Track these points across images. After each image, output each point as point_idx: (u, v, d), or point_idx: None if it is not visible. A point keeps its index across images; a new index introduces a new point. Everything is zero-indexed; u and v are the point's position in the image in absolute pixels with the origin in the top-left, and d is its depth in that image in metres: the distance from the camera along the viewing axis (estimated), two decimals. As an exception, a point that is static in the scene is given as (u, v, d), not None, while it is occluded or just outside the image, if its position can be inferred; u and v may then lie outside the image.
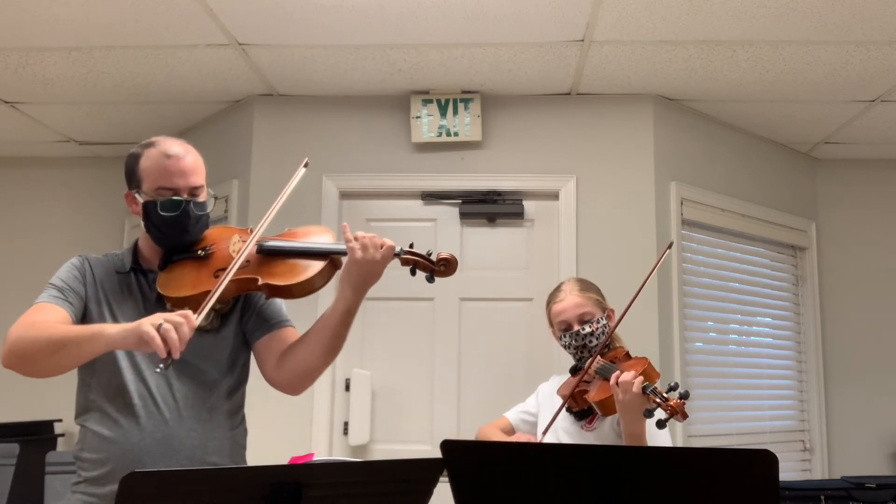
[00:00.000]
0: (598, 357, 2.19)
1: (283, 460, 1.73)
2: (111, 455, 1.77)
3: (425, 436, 3.50)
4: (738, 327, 4.08)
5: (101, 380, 1.82)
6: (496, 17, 2.96)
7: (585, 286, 2.32)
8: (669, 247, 2.44)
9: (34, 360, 1.68)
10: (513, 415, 2.44)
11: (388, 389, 3.55)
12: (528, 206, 3.63)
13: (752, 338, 4.16)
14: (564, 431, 2.25)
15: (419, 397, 3.54)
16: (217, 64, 3.36)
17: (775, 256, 4.25)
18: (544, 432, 2.20)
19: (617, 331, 2.28)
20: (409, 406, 3.54)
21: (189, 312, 1.61)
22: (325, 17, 2.97)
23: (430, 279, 1.89)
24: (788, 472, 4.06)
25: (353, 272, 1.83)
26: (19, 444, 2.98)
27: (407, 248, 1.87)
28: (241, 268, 1.79)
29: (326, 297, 1.91)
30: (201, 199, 1.89)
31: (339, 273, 1.89)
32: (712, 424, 3.78)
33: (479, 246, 3.64)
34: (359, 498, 1.43)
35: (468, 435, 2.98)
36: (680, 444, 3.39)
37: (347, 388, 3.51)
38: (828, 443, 4.23)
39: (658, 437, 2.06)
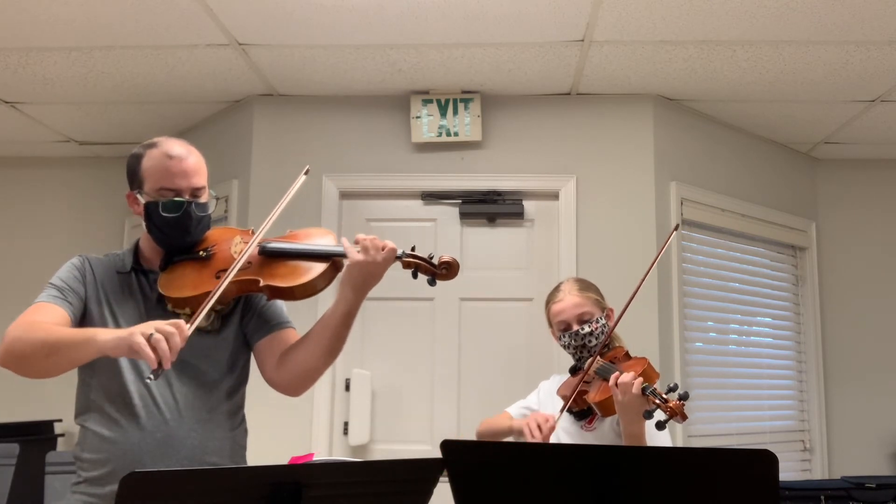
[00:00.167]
0: (598, 357, 2.19)
1: (283, 460, 1.73)
2: (111, 455, 1.77)
3: (425, 436, 3.50)
4: (738, 327, 4.08)
5: (101, 380, 1.82)
6: (496, 17, 2.96)
7: (584, 286, 2.32)
8: (676, 229, 2.44)
9: (29, 361, 1.68)
10: (514, 410, 2.44)
11: (388, 389, 3.55)
12: (528, 206, 3.63)
13: (752, 338, 4.16)
14: (564, 431, 2.25)
15: (419, 397, 3.54)
16: (217, 64, 3.36)
17: (775, 256, 4.25)
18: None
19: (616, 330, 2.28)
20: (409, 406, 3.54)
21: (181, 322, 1.60)
22: (325, 17, 2.97)
23: (432, 282, 1.89)
24: (788, 472, 4.06)
25: (354, 274, 1.83)
26: (19, 444, 2.98)
27: (409, 252, 1.87)
28: (243, 269, 1.79)
29: (327, 299, 1.91)
30: (203, 200, 1.89)
31: (340, 275, 1.89)
32: (712, 424, 3.78)
33: (479, 246, 3.64)
34: (359, 498, 1.43)
35: (468, 435, 2.97)
36: (680, 444, 3.39)
37: (347, 388, 3.51)
38: (828, 443, 4.23)
39: (658, 438, 2.06)
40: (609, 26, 3.01)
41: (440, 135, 3.60)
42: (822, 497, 2.95)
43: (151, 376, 1.55)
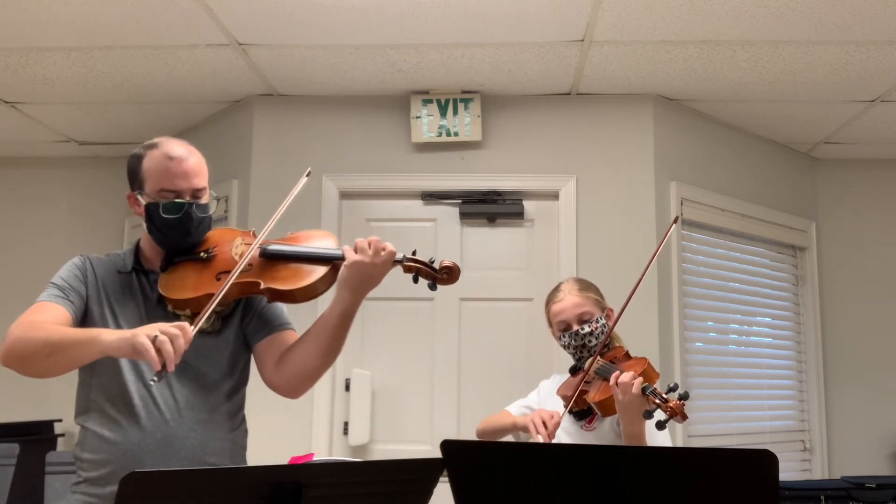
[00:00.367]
0: (598, 357, 2.19)
1: (283, 460, 1.73)
2: (111, 456, 1.77)
3: (425, 436, 3.50)
4: (738, 327, 4.09)
5: (101, 380, 1.82)
6: (496, 17, 2.96)
7: (584, 286, 2.32)
8: (675, 221, 2.44)
9: (31, 361, 1.68)
10: (514, 409, 2.44)
11: (388, 389, 3.55)
12: (528, 206, 3.63)
13: (752, 338, 4.16)
14: (564, 431, 2.25)
15: (419, 397, 3.54)
16: (217, 64, 3.36)
17: (775, 256, 4.25)
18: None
19: (616, 330, 2.28)
20: (409, 406, 3.54)
21: (185, 325, 1.60)
22: (325, 17, 2.97)
23: (433, 287, 1.88)
24: (788, 472, 4.06)
25: (352, 275, 1.82)
26: (19, 444, 2.98)
27: (409, 256, 1.87)
28: (244, 271, 1.79)
29: (327, 300, 1.91)
30: (204, 201, 1.88)
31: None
32: (712, 424, 3.78)
33: (479, 246, 3.64)
34: (359, 498, 1.43)
35: (468, 435, 2.97)
36: (680, 444, 3.39)
37: (347, 388, 3.51)
38: (828, 443, 4.23)
39: (658, 438, 2.06)
40: (609, 26, 3.01)
41: (440, 135, 3.60)
42: (822, 497, 2.95)
43: (155, 378, 1.56)
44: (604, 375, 2.11)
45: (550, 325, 2.34)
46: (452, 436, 3.28)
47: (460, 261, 3.52)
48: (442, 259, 1.89)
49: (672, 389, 1.88)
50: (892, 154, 4.41)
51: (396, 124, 3.67)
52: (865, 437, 4.25)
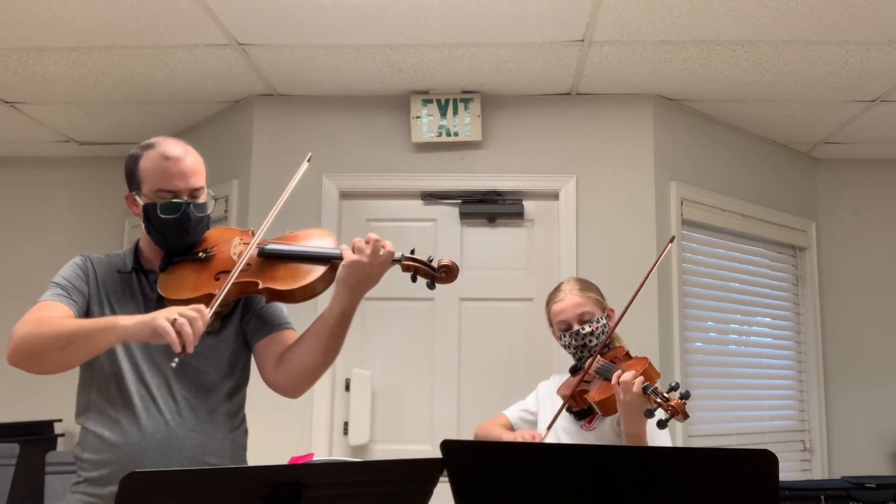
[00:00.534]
0: (598, 357, 2.19)
1: (283, 460, 1.73)
2: (112, 456, 1.77)
3: (425, 436, 3.50)
4: (738, 327, 4.08)
5: (101, 380, 1.82)
6: (496, 17, 2.96)
7: (585, 286, 2.32)
8: (671, 240, 2.44)
9: (42, 355, 1.68)
10: (512, 413, 2.44)
11: (388, 389, 3.55)
12: (528, 206, 3.63)
13: (752, 338, 4.16)
14: (564, 431, 2.25)
15: (419, 397, 3.54)
16: (217, 64, 3.36)
17: (775, 256, 4.25)
18: (548, 429, 2.20)
19: (617, 330, 2.28)
20: (409, 406, 3.54)
21: (202, 307, 1.63)
22: (325, 17, 2.97)
23: (431, 286, 1.87)
24: (788, 472, 4.06)
25: (350, 275, 1.81)
26: (19, 444, 2.98)
27: (408, 255, 1.86)
28: (242, 271, 1.79)
29: (327, 299, 1.91)
30: (201, 200, 1.88)
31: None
32: (712, 424, 3.78)
33: (479, 246, 3.64)
34: (359, 498, 1.43)
35: (468, 435, 2.97)
36: (680, 444, 3.39)
37: (347, 388, 3.51)
38: (828, 443, 4.23)
39: (658, 438, 2.06)
40: (609, 26, 3.01)
41: (440, 135, 3.60)
42: (822, 497, 2.95)
43: (175, 361, 1.58)
44: (604, 375, 2.11)
45: (551, 324, 2.34)
46: (452, 436, 3.28)
47: (460, 261, 3.53)
48: (440, 258, 1.89)
49: (673, 389, 1.88)
50: (892, 154, 4.41)
51: (396, 124, 3.67)
52: (865, 437, 4.25)
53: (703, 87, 3.58)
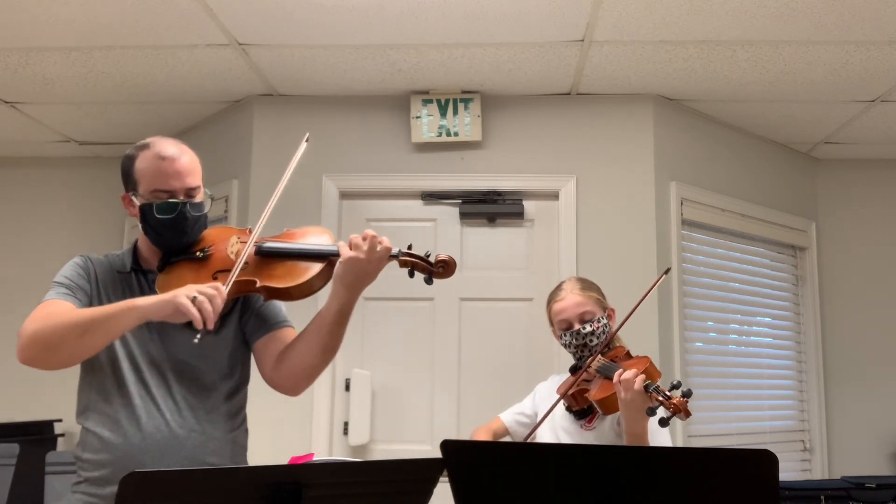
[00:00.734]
0: (599, 356, 2.19)
1: (283, 460, 1.73)
2: (112, 456, 1.77)
3: (425, 436, 3.50)
4: (738, 327, 4.08)
5: (101, 380, 1.82)
6: (496, 17, 2.96)
7: (586, 285, 2.32)
8: (666, 272, 2.43)
9: (59, 346, 1.68)
10: (508, 416, 2.43)
11: (388, 389, 3.55)
12: (528, 206, 3.63)
13: (752, 338, 4.16)
14: (564, 431, 2.25)
15: (419, 397, 3.54)
16: (217, 64, 3.36)
17: (775, 256, 4.25)
18: (539, 424, 2.20)
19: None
20: (409, 406, 3.54)
21: (219, 285, 1.67)
22: (325, 17, 2.97)
23: (429, 281, 1.86)
24: (788, 472, 4.06)
25: (347, 271, 1.81)
26: (19, 444, 2.98)
27: (405, 250, 1.85)
28: (241, 269, 1.78)
29: (327, 296, 1.90)
30: (198, 199, 1.87)
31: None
32: (712, 424, 3.78)
33: (479, 246, 3.64)
34: (359, 498, 1.43)
35: (468, 435, 2.98)
36: (680, 444, 3.39)
37: (347, 388, 3.51)
38: (828, 443, 4.23)
39: (658, 437, 2.06)
40: (609, 26, 3.01)
41: (440, 135, 3.60)
42: (822, 497, 2.95)
43: (198, 337, 1.62)
44: (605, 374, 2.11)
45: (552, 324, 2.34)
46: (452, 436, 3.28)
47: (460, 261, 3.53)
48: (437, 253, 1.88)
49: (675, 387, 1.88)
50: (892, 154, 4.41)
51: (396, 124, 3.67)
52: (865, 437, 4.25)
53: (703, 87, 3.58)
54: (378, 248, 1.80)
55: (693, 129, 3.86)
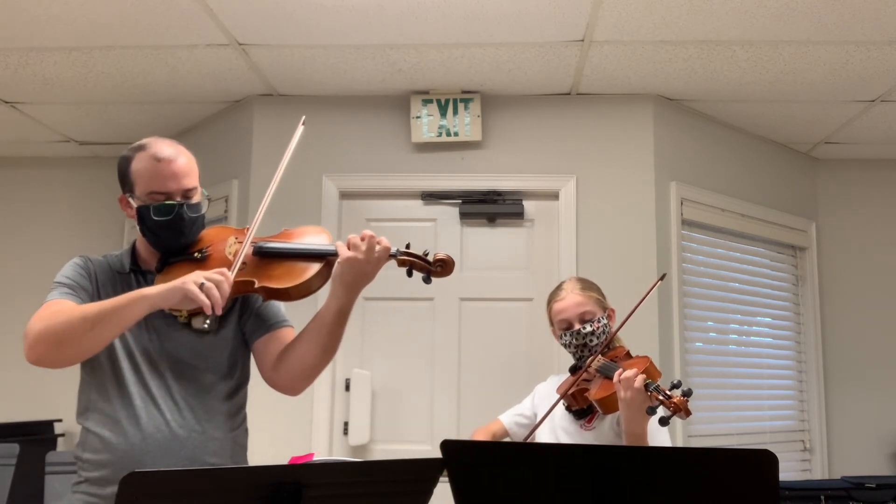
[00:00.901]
0: (599, 356, 2.19)
1: (283, 460, 1.73)
2: (112, 456, 1.77)
3: (425, 436, 3.50)
4: (738, 327, 4.08)
5: (101, 381, 1.82)
6: (496, 17, 2.96)
7: (586, 285, 2.32)
8: (662, 278, 2.42)
9: (69, 341, 1.68)
10: (507, 418, 2.43)
11: (388, 389, 3.55)
12: (528, 206, 3.63)
13: (752, 338, 4.16)
14: (563, 431, 2.25)
15: (419, 397, 3.54)
16: (217, 64, 3.36)
17: (775, 256, 4.25)
18: (538, 424, 2.20)
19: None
20: (409, 406, 3.54)
21: (225, 270, 1.69)
22: (325, 17, 2.97)
23: (427, 280, 1.86)
24: (788, 472, 4.06)
25: (346, 272, 1.81)
26: (19, 444, 2.98)
27: (403, 249, 1.85)
28: (239, 270, 1.78)
29: (326, 295, 1.90)
30: (195, 200, 1.87)
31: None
32: (712, 424, 3.78)
33: (479, 246, 3.64)
34: (359, 498, 1.43)
35: (468, 435, 2.98)
36: (680, 444, 3.39)
37: (347, 388, 3.51)
38: (828, 443, 4.23)
39: (657, 437, 2.06)
40: (609, 26, 3.01)
41: (440, 135, 3.60)
42: (822, 497, 2.95)
43: (208, 322, 1.65)
44: (605, 373, 2.11)
45: (552, 323, 2.34)
46: (452, 436, 3.28)
47: (460, 261, 3.53)
48: (436, 252, 1.88)
49: (675, 386, 1.88)
50: (892, 154, 4.41)
51: (396, 124, 3.67)
52: (865, 437, 4.25)
53: (703, 87, 3.58)
54: (377, 249, 1.80)
55: (693, 129, 3.86)
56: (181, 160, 1.85)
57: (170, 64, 3.35)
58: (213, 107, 3.86)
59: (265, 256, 1.86)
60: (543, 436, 2.25)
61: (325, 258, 1.84)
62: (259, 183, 3.62)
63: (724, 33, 3.05)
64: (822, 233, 4.44)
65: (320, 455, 3.33)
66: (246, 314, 1.95)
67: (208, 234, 1.93)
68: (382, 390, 3.55)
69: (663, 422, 1.85)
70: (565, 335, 2.26)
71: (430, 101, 3.59)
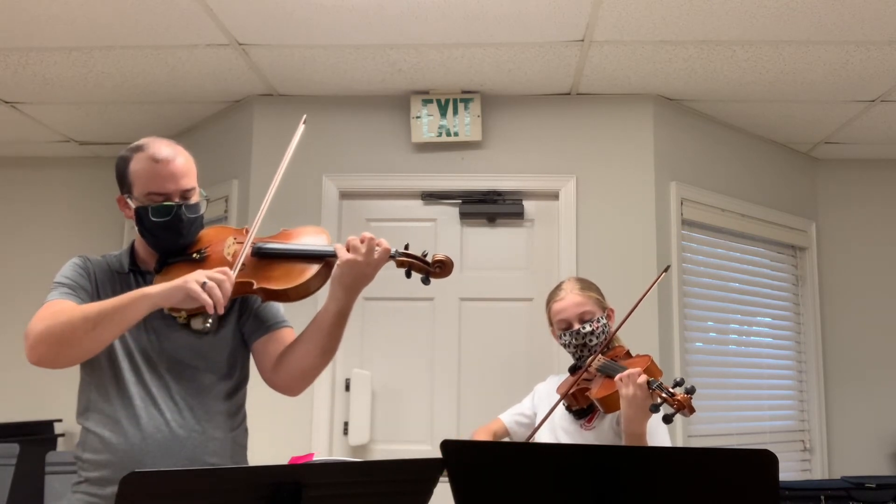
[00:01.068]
0: (600, 355, 2.19)
1: (283, 460, 1.73)
2: (112, 456, 1.77)
3: (425, 436, 3.50)
4: (738, 327, 4.08)
5: (101, 381, 1.82)
6: (496, 17, 2.96)
7: (586, 285, 2.32)
8: (666, 269, 2.43)
9: (70, 341, 1.68)
10: (507, 417, 2.43)
11: (388, 389, 3.55)
12: (528, 206, 3.63)
13: (752, 338, 4.16)
14: (563, 430, 2.25)
15: (419, 397, 3.54)
16: (217, 64, 3.36)
17: (775, 256, 4.25)
18: (539, 425, 2.20)
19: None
20: (409, 406, 3.54)
21: (227, 269, 1.69)
22: (325, 17, 2.97)
23: (426, 281, 1.86)
24: (788, 472, 4.06)
25: (345, 273, 1.81)
26: (19, 444, 2.98)
27: (402, 250, 1.85)
28: (238, 271, 1.78)
29: (326, 297, 1.90)
30: (193, 201, 1.86)
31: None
32: (712, 424, 3.78)
33: (479, 246, 3.64)
34: (359, 498, 1.43)
35: (468, 435, 2.98)
36: (680, 443, 3.39)
37: (347, 388, 3.51)
38: (828, 443, 4.23)
39: (657, 436, 2.06)
40: (609, 26, 3.01)
41: (440, 135, 3.60)
42: (822, 497, 2.95)
43: (210, 321, 1.65)
44: (606, 372, 2.11)
45: (551, 324, 2.34)
46: (452, 436, 3.28)
47: (460, 261, 3.53)
48: (434, 253, 1.88)
49: (678, 384, 1.88)
50: (892, 154, 4.41)
51: (396, 124, 3.67)
52: (865, 437, 4.25)
53: (703, 87, 3.58)
54: (376, 251, 1.80)
55: (693, 129, 3.86)
56: (179, 161, 1.84)
57: (170, 64, 3.35)
58: (213, 107, 3.86)
59: (264, 257, 1.85)
60: (543, 436, 2.25)
61: (324, 259, 1.84)
62: (259, 183, 3.62)
63: (724, 33, 3.05)
64: (822, 233, 4.44)
65: (320, 455, 3.33)
66: (245, 315, 1.95)
67: (207, 234, 1.93)
68: (382, 390, 3.55)
69: (667, 419, 1.84)
70: (565, 335, 2.26)
71: (430, 101, 3.59)
